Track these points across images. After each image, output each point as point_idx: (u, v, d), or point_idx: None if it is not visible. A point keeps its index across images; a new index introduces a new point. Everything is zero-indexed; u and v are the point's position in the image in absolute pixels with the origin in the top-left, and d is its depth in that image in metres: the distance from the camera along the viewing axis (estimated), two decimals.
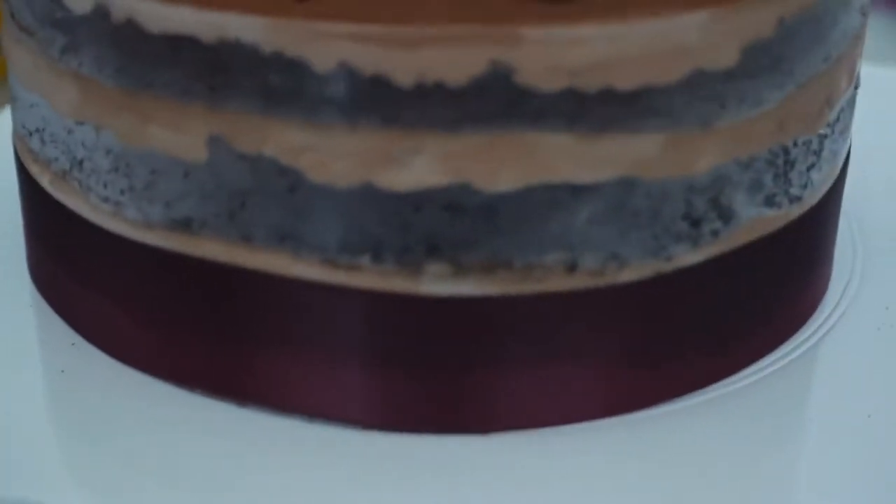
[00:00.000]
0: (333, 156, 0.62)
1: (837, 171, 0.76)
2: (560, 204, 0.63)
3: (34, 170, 0.74)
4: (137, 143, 0.66)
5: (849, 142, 0.78)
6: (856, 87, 0.76)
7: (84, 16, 0.65)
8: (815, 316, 0.79)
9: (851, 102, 0.76)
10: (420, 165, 0.62)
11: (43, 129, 0.72)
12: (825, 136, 0.72)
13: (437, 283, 0.65)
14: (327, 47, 0.60)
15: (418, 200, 0.63)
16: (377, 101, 0.61)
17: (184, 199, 0.66)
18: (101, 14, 0.64)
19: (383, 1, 0.62)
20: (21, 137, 0.75)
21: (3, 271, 0.81)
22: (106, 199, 0.69)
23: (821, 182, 0.74)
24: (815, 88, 0.70)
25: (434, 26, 0.59)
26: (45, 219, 0.75)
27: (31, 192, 0.75)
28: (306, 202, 0.63)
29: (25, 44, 0.71)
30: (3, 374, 0.72)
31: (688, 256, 0.67)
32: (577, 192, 0.63)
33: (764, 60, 0.65)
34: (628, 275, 0.66)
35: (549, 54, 0.60)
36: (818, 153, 0.72)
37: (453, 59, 0.60)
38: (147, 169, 0.66)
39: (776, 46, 0.65)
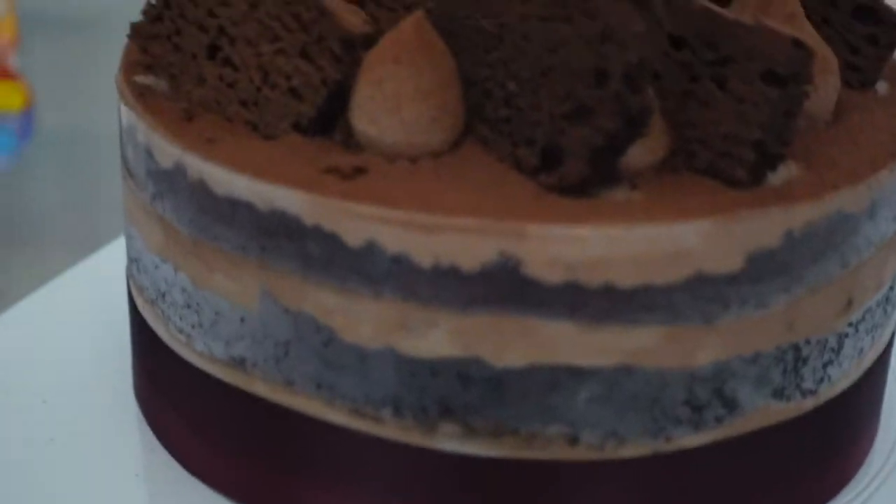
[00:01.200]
0: (360, 320, 0.70)
1: (866, 366, 0.79)
2: (561, 383, 0.69)
3: (135, 293, 0.84)
4: (204, 287, 0.75)
5: (887, 336, 0.81)
6: (892, 288, 0.80)
7: (168, 170, 0.75)
8: (854, 481, 0.82)
9: (888, 301, 0.80)
10: (435, 337, 0.69)
11: (139, 260, 0.82)
12: (846, 336, 0.76)
13: (449, 441, 0.71)
14: (358, 225, 0.68)
15: (434, 367, 0.70)
16: (398, 277, 0.68)
17: (240, 340, 0.74)
18: (180, 171, 0.74)
19: (409, 189, 0.69)
20: (129, 263, 0.86)
21: (112, 384, 0.91)
22: (181, 331, 0.78)
23: (841, 376, 0.77)
24: (832, 292, 0.74)
25: (451, 217, 0.66)
26: (141, 338, 0.84)
27: (134, 314, 0.85)
28: (338, 357, 0.71)
29: (128, 184, 0.81)
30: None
31: (689, 439, 0.72)
32: (577, 374, 0.69)
33: (770, 266, 0.70)
34: (628, 451, 0.71)
35: (552, 250, 0.66)
36: (837, 350, 0.76)
37: (466, 246, 0.67)
38: (212, 310, 0.75)
39: (783, 255, 0.70)
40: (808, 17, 0.82)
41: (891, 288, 0.80)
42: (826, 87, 0.78)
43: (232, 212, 0.71)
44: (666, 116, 0.73)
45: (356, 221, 0.68)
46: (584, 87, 0.68)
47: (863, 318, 0.77)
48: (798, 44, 0.69)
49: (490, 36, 0.73)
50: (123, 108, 0.80)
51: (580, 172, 0.68)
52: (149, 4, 0.80)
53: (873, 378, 0.82)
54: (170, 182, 0.75)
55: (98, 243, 2.08)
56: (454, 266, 0.67)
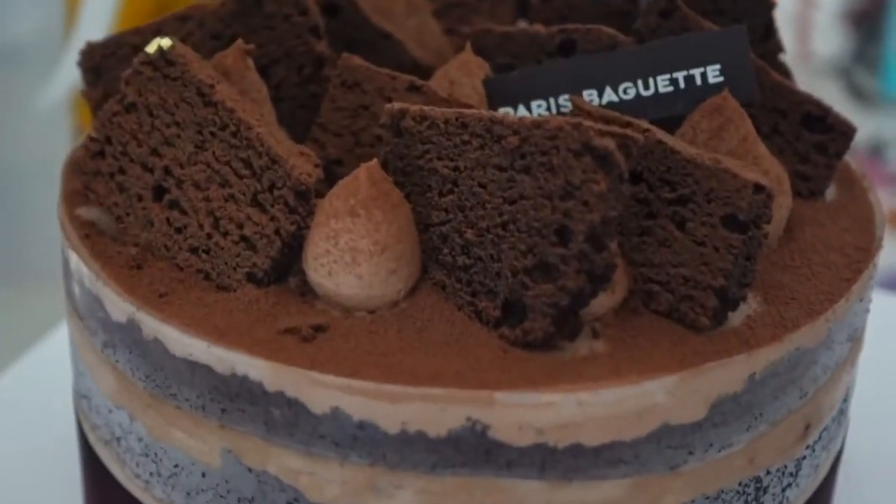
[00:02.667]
0: (326, 481, 0.69)
1: (821, 479, 0.80)
2: None
3: (85, 427, 0.82)
4: (162, 440, 0.73)
5: (839, 444, 0.82)
6: (846, 400, 0.81)
7: (120, 324, 0.73)
8: None
9: (842, 413, 0.81)
10: (403, 498, 0.68)
11: (89, 398, 0.80)
12: (803, 458, 0.77)
13: None
14: (322, 393, 0.67)
15: None
16: (365, 442, 0.67)
17: (202, 493, 0.73)
18: (133, 327, 0.72)
19: (371, 350, 0.68)
20: (76, 396, 0.84)
21: None
22: (138, 476, 0.77)
23: (799, 495, 0.78)
24: (791, 421, 0.74)
25: (416, 386, 0.66)
26: (92, 473, 0.83)
27: (85, 447, 0.84)
28: None
29: (74, 320, 0.79)
30: None
31: None
32: None
33: (733, 410, 0.70)
34: None
35: (520, 415, 0.66)
36: (795, 473, 0.76)
37: (433, 414, 0.66)
38: (171, 462, 0.74)
39: (745, 397, 0.70)
40: (758, 127, 0.81)
41: (844, 400, 0.81)
42: (779, 208, 0.78)
43: (191, 372, 0.70)
44: (623, 254, 0.73)
45: (320, 389, 0.67)
46: (547, 245, 0.67)
47: (819, 438, 0.78)
48: (759, 188, 0.69)
49: (445, 179, 0.72)
50: (67, 247, 0.78)
51: (544, 330, 0.68)
52: (89, 138, 0.78)
53: (827, 484, 0.83)
54: (122, 335, 0.73)
55: (27, 280, 2.04)
56: (421, 432, 0.67)
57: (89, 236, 0.77)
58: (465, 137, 0.71)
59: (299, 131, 0.84)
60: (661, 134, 0.74)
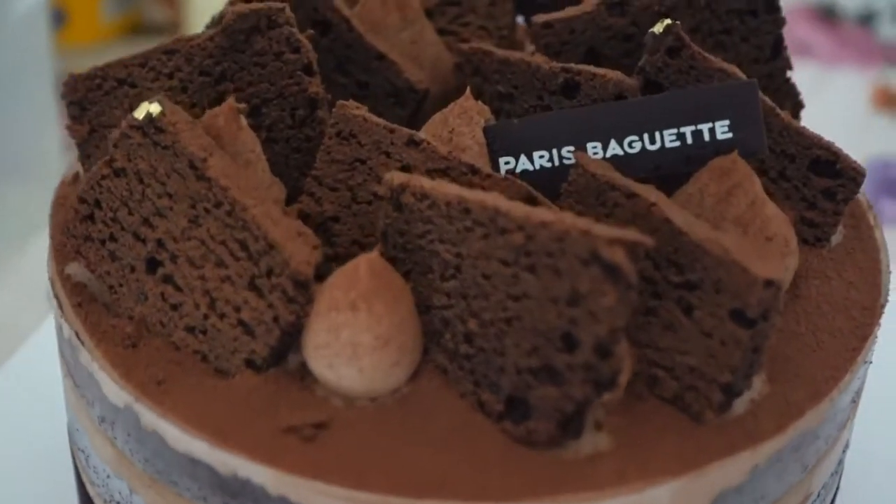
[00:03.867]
0: None
1: None
2: None
3: (84, 477, 0.82)
4: None
5: (835, 488, 0.83)
6: (844, 450, 0.81)
7: (118, 408, 0.72)
8: None
9: (840, 463, 0.81)
10: None
11: (87, 456, 0.79)
12: None
13: None
14: (327, 501, 0.66)
15: None
16: None
17: None
18: (132, 415, 0.71)
19: (375, 449, 0.68)
20: (71, 439, 0.83)
21: None
22: None
23: None
24: (792, 494, 0.74)
25: (422, 499, 0.65)
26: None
27: (82, 489, 0.83)
28: None
29: (69, 383, 0.78)
30: None
31: None
32: None
33: (735, 499, 0.70)
34: None
35: None
36: None
37: None
38: None
39: (748, 486, 0.70)
40: (766, 171, 0.79)
41: (843, 450, 0.81)
42: (787, 270, 0.76)
43: (192, 467, 0.69)
44: (628, 333, 0.72)
45: (325, 497, 0.66)
46: (552, 349, 0.66)
47: (818, 496, 0.78)
48: (769, 283, 0.68)
49: (447, 263, 0.71)
50: (59, 316, 0.76)
51: (549, 433, 0.67)
52: (79, 200, 0.76)
53: None
54: (121, 419, 0.72)
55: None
56: None
57: (81, 305, 0.75)
58: (468, 224, 0.69)
59: (294, 175, 0.82)
60: (668, 208, 0.72)
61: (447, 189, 0.71)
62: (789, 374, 0.73)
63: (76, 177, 0.85)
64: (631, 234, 0.65)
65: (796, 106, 0.89)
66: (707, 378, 0.70)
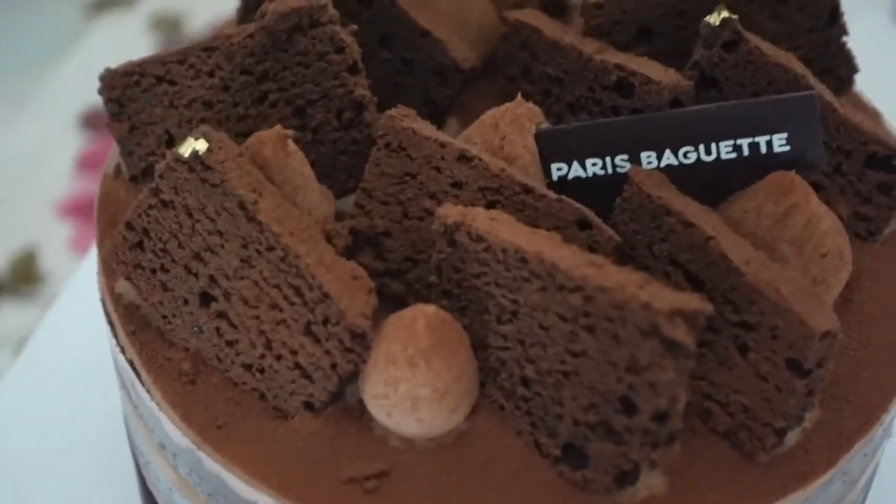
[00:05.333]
0: None
1: None
2: None
3: (147, 478, 0.84)
4: None
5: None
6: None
7: (180, 447, 0.74)
8: None
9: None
10: None
11: (147, 462, 0.82)
12: None
13: None
14: None
15: None
16: None
17: None
18: (193, 456, 0.73)
19: (436, 499, 0.70)
20: (131, 442, 0.85)
21: None
22: None
23: None
24: None
25: None
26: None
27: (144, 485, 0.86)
28: None
29: (127, 398, 0.79)
30: None
31: None
32: None
33: None
34: None
35: None
36: None
37: None
38: None
39: None
40: None
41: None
42: (839, 282, 0.76)
43: None
44: None
45: None
46: (611, 410, 0.67)
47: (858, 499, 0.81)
48: (825, 335, 0.68)
49: (503, 308, 0.71)
50: (114, 345, 0.77)
51: (605, 485, 0.69)
52: (126, 226, 0.75)
53: None
54: (182, 454, 0.74)
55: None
56: None
57: (136, 333, 0.76)
58: (525, 274, 0.69)
59: (342, 178, 0.81)
60: (725, 241, 0.71)
61: (504, 233, 0.70)
62: (840, 398, 0.74)
63: (118, 169, 0.84)
64: (692, 301, 0.65)
65: (851, 70, 0.87)
66: (761, 420, 0.71)
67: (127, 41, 2.00)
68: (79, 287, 1.10)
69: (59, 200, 1.78)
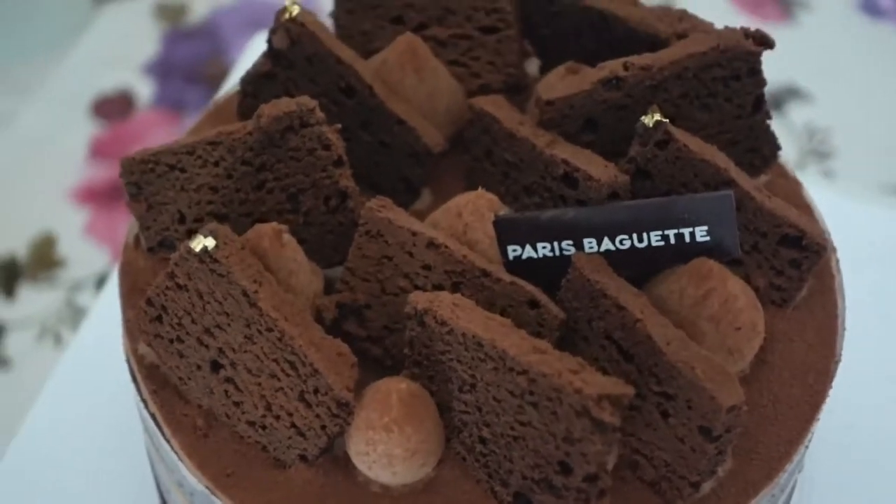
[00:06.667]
0: None
1: None
2: None
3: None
4: None
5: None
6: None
7: (195, 489, 0.88)
8: None
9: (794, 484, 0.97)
10: None
11: (168, 492, 0.96)
12: None
13: None
14: None
15: None
16: None
17: None
18: (209, 499, 0.87)
19: None
20: (151, 462, 0.99)
21: None
22: None
23: None
24: None
25: None
26: None
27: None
28: None
29: (147, 437, 0.94)
30: None
31: None
32: None
33: None
34: None
35: None
36: None
37: None
38: None
39: None
40: (741, 245, 0.91)
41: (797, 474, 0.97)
42: (752, 350, 0.90)
43: None
44: None
45: None
46: (551, 471, 0.81)
47: None
48: (731, 409, 0.82)
49: (464, 381, 0.85)
50: (139, 401, 0.91)
51: None
52: (147, 302, 0.89)
53: None
54: (198, 495, 0.88)
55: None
56: None
57: (157, 392, 0.90)
58: (481, 356, 0.83)
59: (328, 253, 0.94)
60: (651, 322, 0.85)
61: (465, 319, 0.84)
62: (749, 450, 0.88)
63: (137, 240, 0.97)
64: (618, 385, 0.79)
65: (774, 148, 1.00)
66: (678, 473, 0.85)
67: (133, 29, 2.12)
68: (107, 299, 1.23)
69: (72, 187, 1.90)
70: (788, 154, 1.74)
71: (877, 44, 2.04)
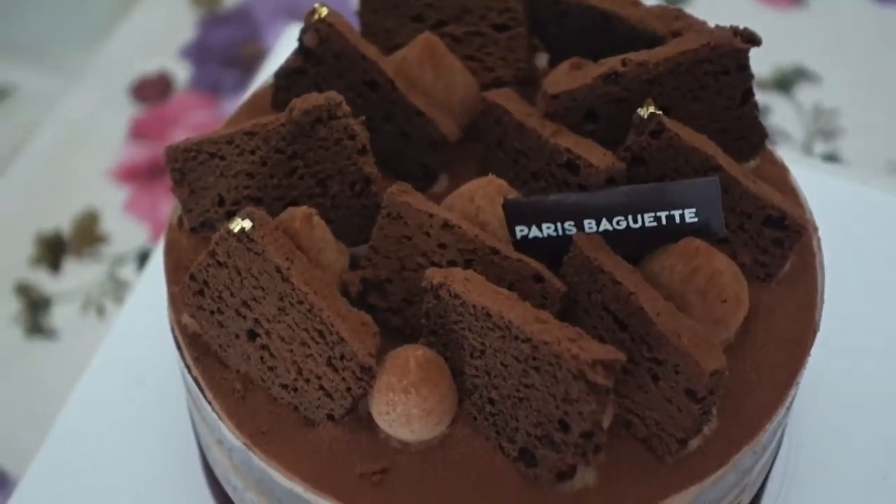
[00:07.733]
0: None
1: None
2: None
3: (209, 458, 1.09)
4: None
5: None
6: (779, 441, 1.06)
7: (234, 445, 0.98)
8: None
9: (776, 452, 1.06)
10: None
11: (208, 448, 1.06)
12: None
13: None
14: None
15: None
16: None
17: None
18: (246, 454, 0.97)
19: (425, 490, 0.94)
20: (194, 427, 1.10)
21: None
22: None
23: None
24: (730, 495, 1.01)
25: None
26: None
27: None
28: None
29: (189, 399, 1.04)
30: None
31: None
32: None
33: None
34: None
35: None
36: None
37: None
38: None
39: (694, 502, 0.97)
40: (728, 225, 1.01)
41: (780, 441, 1.06)
42: (736, 320, 0.99)
43: (293, 499, 0.96)
44: None
45: None
46: (552, 428, 0.91)
47: (756, 481, 1.05)
48: (714, 373, 0.91)
49: (474, 348, 0.94)
50: (183, 367, 1.01)
51: (549, 479, 0.93)
52: (191, 277, 0.99)
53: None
54: (236, 450, 0.99)
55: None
56: None
57: (199, 359, 1.00)
58: (489, 325, 0.92)
59: (354, 234, 1.04)
60: (643, 295, 0.94)
61: (475, 293, 0.93)
62: (733, 411, 0.98)
63: (180, 221, 1.07)
64: (611, 352, 0.89)
65: (761, 136, 1.09)
66: (667, 431, 0.94)
67: (170, 15, 2.22)
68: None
69: (114, 167, 2.00)
70: (796, 134, 1.83)
71: (884, 28, 2.12)
